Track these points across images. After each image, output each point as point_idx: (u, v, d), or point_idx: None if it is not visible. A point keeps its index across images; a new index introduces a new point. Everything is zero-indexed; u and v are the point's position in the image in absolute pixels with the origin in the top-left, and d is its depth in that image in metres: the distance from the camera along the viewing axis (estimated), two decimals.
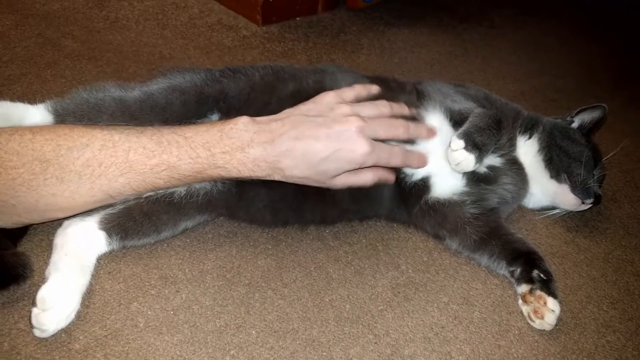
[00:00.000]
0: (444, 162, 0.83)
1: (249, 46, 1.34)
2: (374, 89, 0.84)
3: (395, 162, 0.79)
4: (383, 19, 1.57)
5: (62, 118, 0.74)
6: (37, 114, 0.75)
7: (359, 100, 0.81)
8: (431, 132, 0.84)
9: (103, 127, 0.71)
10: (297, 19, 1.49)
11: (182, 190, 0.78)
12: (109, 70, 1.15)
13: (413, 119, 0.84)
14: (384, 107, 0.80)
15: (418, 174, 0.85)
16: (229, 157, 0.71)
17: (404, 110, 0.83)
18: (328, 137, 0.72)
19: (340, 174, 0.75)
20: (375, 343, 0.72)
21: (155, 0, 1.44)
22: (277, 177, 0.74)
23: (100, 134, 0.69)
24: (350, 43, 1.44)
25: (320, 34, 1.45)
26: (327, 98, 0.78)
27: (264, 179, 0.74)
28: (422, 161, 0.83)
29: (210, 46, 1.31)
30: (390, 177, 0.81)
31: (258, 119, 0.74)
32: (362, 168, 0.76)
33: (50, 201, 0.67)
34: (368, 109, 0.78)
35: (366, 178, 0.78)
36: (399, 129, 0.79)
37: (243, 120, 0.72)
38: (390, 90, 0.88)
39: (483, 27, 1.64)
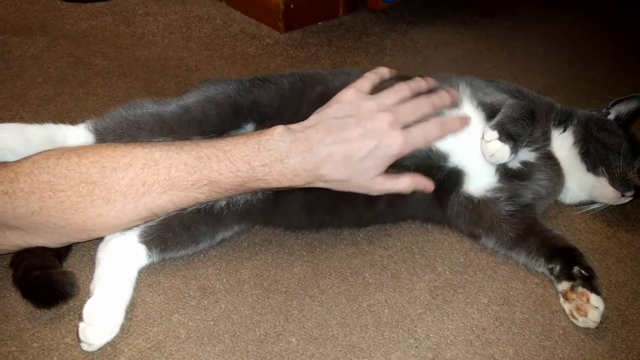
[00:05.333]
0: (477, 156, 0.82)
1: (272, 54, 1.35)
2: (383, 71, 0.84)
3: (434, 136, 0.79)
4: (404, 19, 1.56)
5: (103, 137, 0.76)
6: (78, 134, 0.77)
7: (375, 87, 0.81)
8: (454, 97, 0.83)
9: (144, 144, 0.72)
10: (319, 23, 1.50)
11: (223, 201, 0.78)
12: (138, 86, 1.17)
13: (433, 89, 0.84)
14: (403, 90, 0.80)
15: (450, 163, 0.84)
16: (268, 170, 0.72)
17: (421, 84, 0.83)
18: (363, 137, 0.73)
19: (379, 173, 0.76)
20: (416, 347, 0.71)
21: (179, 14, 1.47)
22: (318, 184, 0.75)
23: (141, 153, 0.70)
24: (373, 45, 1.43)
25: (342, 37, 1.45)
26: (348, 96, 0.78)
27: (303, 187, 0.74)
28: (464, 122, 0.82)
29: (234, 56, 1.33)
30: (428, 185, 0.81)
31: (292, 127, 0.74)
32: (400, 173, 0.78)
33: (97, 221, 0.69)
34: (390, 97, 0.78)
35: (403, 184, 0.78)
36: (425, 106, 0.79)
37: (279, 131, 0.73)
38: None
39: (507, 21, 1.61)
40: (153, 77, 1.21)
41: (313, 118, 0.76)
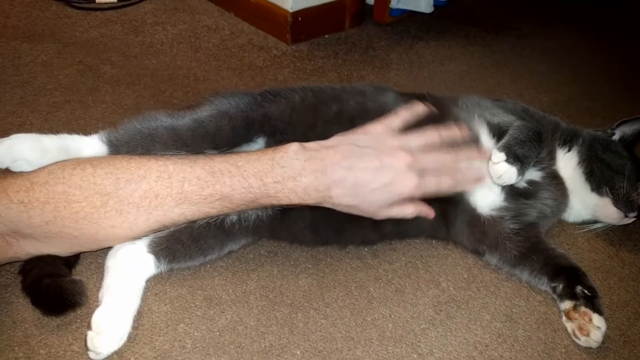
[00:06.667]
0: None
1: (279, 65, 1.36)
2: (420, 109, 0.83)
3: (446, 188, 0.80)
4: (410, 33, 1.58)
5: (117, 149, 0.77)
6: (92, 144, 0.77)
7: (406, 125, 0.81)
8: (482, 153, 0.83)
9: (158, 157, 0.73)
10: (326, 36, 1.51)
11: (234, 216, 0.79)
12: (146, 94, 1.19)
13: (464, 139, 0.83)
14: (431, 135, 0.80)
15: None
16: (280, 187, 0.73)
17: (453, 132, 0.82)
18: (378, 170, 0.74)
19: (386, 205, 0.77)
20: None
21: (187, 24, 1.48)
22: (326, 205, 0.75)
23: (155, 165, 0.71)
24: (379, 58, 1.45)
25: (349, 51, 1.46)
26: (376, 129, 0.79)
27: (312, 205, 0.75)
28: (478, 180, 0.83)
29: (242, 67, 1.34)
30: (430, 212, 0.82)
31: (307, 145, 0.75)
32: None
33: (109, 232, 0.70)
34: (416, 140, 0.79)
35: (408, 211, 0.79)
36: (447, 159, 0.79)
37: (293, 148, 0.74)
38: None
39: (512, 37, 1.63)
40: (161, 86, 1.22)
41: (334, 139, 0.77)
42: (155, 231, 0.74)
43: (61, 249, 0.72)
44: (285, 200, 0.74)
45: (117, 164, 0.71)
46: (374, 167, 0.74)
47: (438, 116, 0.86)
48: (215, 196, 0.72)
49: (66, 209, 0.68)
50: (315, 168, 0.73)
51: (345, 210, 0.77)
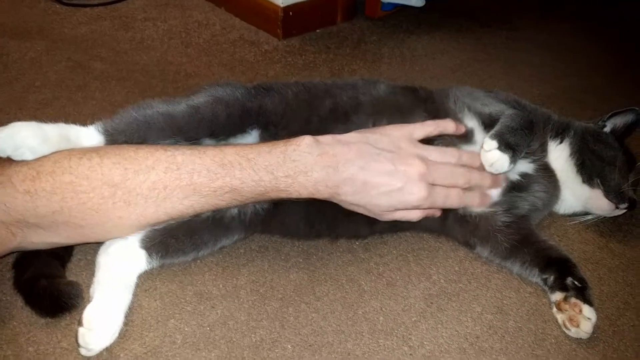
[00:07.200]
0: None
1: (271, 60, 1.36)
2: (449, 126, 0.83)
3: (451, 204, 0.80)
4: (402, 27, 1.58)
5: (113, 137, 0.75)
6: (90, 134, 0.75)
7: (429, 137, 0.81)
8: (496, 182, 0.84)
9: (166, 147, 0.72)
10: (317, 30, 1.51)
11: (234, 210, 0.79)
12: (136, 90, 1.18)
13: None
14: (451, 156, 0.80)
15: None
16: (291, 181, 0.72)
17: (474, 160, 0.82)
18: (390, 175, 0.74)
19: (392, 210, 0.77)
20: (411, 355, 0.72)
21: (178, 20, 1.47)
22: (333, 201, 0.75)
23: (164, 156, 0.70)
24: (370, 53, 1.45)
25: (340, 45, 1.46)
26: (396, 132, 0.78)
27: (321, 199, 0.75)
28: (484, 201, 0.84)
29: (233, 62, 1.33)
30: (436, 213, 0.82)
31: (321, 139, 0.74)
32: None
33: (117, 223, 0.69)
34: (434, 154, 0.79)
35: (414, 216, 0.80)
36: (460, 179, 0.80)
37: (307, 142, 0.73)
38: (418, 99, 0.88)
39: (504, 30, 1.63)
40: (152, 82, 1.21)
41: (351, 136, 0.76)
42: (162, 223, 0.73)
43: (67, 239, 0.71)
44: (295, 195, 0.73)
45: (125, 154, 0.69)
46: (387, 170, 0.74)
47: (432, 109, 0.86)
48: (225, 189, 0.71)
49: (73, 200, 0.66)
50: (328, 163, 0.72)
51: (350, 208, 0.76)
